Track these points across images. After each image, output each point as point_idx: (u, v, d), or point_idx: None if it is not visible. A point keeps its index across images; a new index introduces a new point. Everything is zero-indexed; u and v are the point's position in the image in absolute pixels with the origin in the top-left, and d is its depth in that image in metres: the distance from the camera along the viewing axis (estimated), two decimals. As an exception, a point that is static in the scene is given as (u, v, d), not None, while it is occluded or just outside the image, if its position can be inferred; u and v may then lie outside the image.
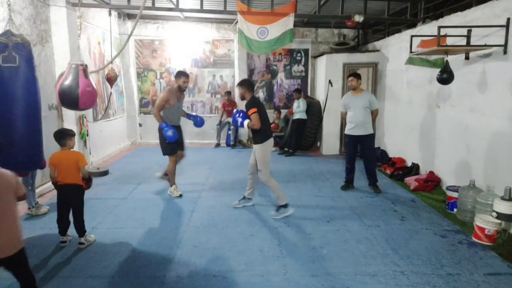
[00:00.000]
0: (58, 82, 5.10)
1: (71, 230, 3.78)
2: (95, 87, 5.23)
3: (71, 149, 3.72)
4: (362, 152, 5.58)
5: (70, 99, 4.93)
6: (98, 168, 6.53)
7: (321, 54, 8.65)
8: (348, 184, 5.66)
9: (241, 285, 3.00)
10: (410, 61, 5.79)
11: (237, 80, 9.32)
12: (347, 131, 5.47)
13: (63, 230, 3.68)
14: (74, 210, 3.69)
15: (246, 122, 4.36)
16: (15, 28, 4.31)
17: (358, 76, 5.38)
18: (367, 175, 5.55)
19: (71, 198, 3.66)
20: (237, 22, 6.83)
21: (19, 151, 3.92)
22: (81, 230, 3.68)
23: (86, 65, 5.10)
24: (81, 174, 3.64)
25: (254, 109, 4.29)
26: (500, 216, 3.63)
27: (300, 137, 8.22)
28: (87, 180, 3.73)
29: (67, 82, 4.91)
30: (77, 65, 4.98)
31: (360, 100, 5.29)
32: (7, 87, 3.85)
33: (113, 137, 8.29)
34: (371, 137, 5.40)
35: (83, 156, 3.73)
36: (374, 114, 5.37)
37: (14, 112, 3.91)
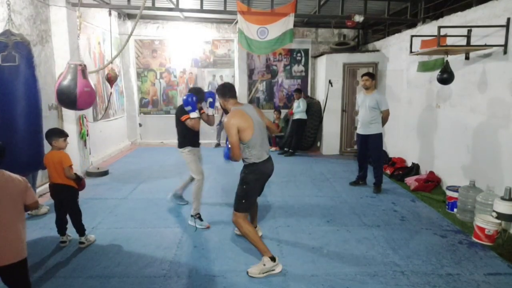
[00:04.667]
0: (57, 81, 5.11)
1: (71, 230, 3.78)
2: (93, 87, 5.22)
3: (60, 150, 3.61)
4: (368, 151, 5.58)
5: (68, 99, 4.93)
6: (98, 168, 6.53)
7: (321, 54, 8.65)
8: (358, 181, 5.78)
9: (241, 285, 3.00)
10: (420, 68, 5.79)
11: (237, 80, 9.34)
12: (357, 129, 5.67)
13: (61, 230, 3.68)
14: (67, 210, 3.67)
15: (211, 110, 4.23)
16: (15, 28, 4.32)
17: (372, 76, 5.42)
18: (373, 174, 5.55)
19: (62, 198, 3.65)
20: (237, 22, 6.83)
21: (20, 151, 3.92)
22: (80, 230, 3.68)
23: (84, 65, 5.09)
24: (66, 175, 3.53)
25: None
26: (500, 216, 3.63)
27: (300, 137, 8.22)
28: (77, 181, 3.62)
29: (65, 82, 4.91)
30: (76, 65, 4.97)
31: (368, 100, 5.31)
32: (7, 86, 3.85)
33: (113, 137, 8.29)
34: (375, 137, 5.38)
35: (66, 156, 3.58)
36: (384, 115, 5.33)
37: (15, 111, 3.91)
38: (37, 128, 4.13)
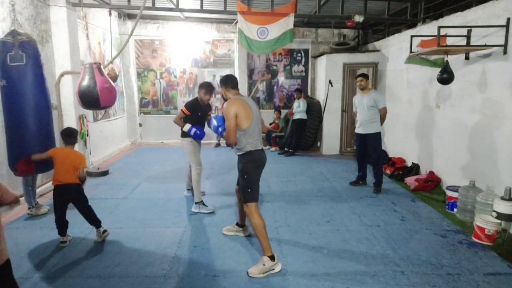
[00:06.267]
0: (76, 84, 5.10)
1: (71, 230, 3.79)
2: (112, 83, 5.22)
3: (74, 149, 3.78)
4: (368, 150, 5.58)
5: (90, 98, 4.94)
6: (98, 168, 6.53)
7: (321, 54, 8.65)
8: (358, 181, 5.80)
9: (241, 285, 3.00)
10: (410, 61, 5.78)
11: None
12: (356, 129, 5.66)
13: (62, 230, 3.68)
14: (80, 207, 3.72)
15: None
16: (19, 28, 4.33)
17: (366, 77, 5.49)
18: (373, 173, 5.55)
19: (73, 198, 3.68)
20: (237, 22, 6.83)
21: (31, 150, 3.94)
22: (96, 222, 3.77)
23: (99, 63, 5.11)
24: (80, 175, 3.66)
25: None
26: (500, 216, 3.63)
27: (300, 137, 8.22)
28: (83, 181, 3.76)
29: (85, 82, 4.92)
30: (91, 64, 4.99)
31: (365, 100, 5.35)
32: (16, 86, 3.87)
33: (113, 137, 8.29)
34: (374, 136, 5.39)
35: (85, 157, 3.79)
36: (382, 112, 5.36)
37: (24, 110, 3.94)
38: (47, 126, 4.15)
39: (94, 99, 4.93)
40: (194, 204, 4.62)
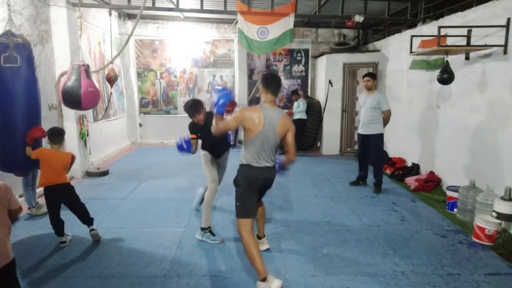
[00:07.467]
0: (61, 82, 5.13)
1: (72, 230, 3.79)
2: (97, 87, 5.24)
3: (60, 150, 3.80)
4: (369, 151, 5.57)
5: (73, 99, 4.97)
6: (98, 168, 6.53)
7: (321, 54, 8.65)
8: (358, 181, 5.79)
9: (241, 285, 3.00)
10: (414, 66, 5.79)
11: (237, 80, 9.33)
12: (358, 129, 5.68)
13: (59, 230, 3.68)
14: (75, 206, 3.73)
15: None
16: (15, 28, 4.32)
17: (374, 77, 5.44)
18: (373, 174, 5.54)
19: (65, 198, 3.69)
20: (237, 22, 6.84)
21: (20, 151, 3.93)
22: (90, 220, 3.77)
23: (88, 66, 5.13)
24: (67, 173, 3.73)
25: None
26: (500, 216, 3.63)
27: (300, 137, 8.21)
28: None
29: (70, 82, 4.95)
30: (79, 65, 5.00)
31: (369, 100, 5.33)
32: (8, 88, 3.86)
33: (113, 137, 8.29)
34: (375, 137, 5.37)
35: (70, 157, 3.77)
36: (386, 115, 5.33)
37: (15, 112, 3.92)
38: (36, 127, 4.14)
39: (76, 101, 4.97)
40: (199, 230, 3.87)
